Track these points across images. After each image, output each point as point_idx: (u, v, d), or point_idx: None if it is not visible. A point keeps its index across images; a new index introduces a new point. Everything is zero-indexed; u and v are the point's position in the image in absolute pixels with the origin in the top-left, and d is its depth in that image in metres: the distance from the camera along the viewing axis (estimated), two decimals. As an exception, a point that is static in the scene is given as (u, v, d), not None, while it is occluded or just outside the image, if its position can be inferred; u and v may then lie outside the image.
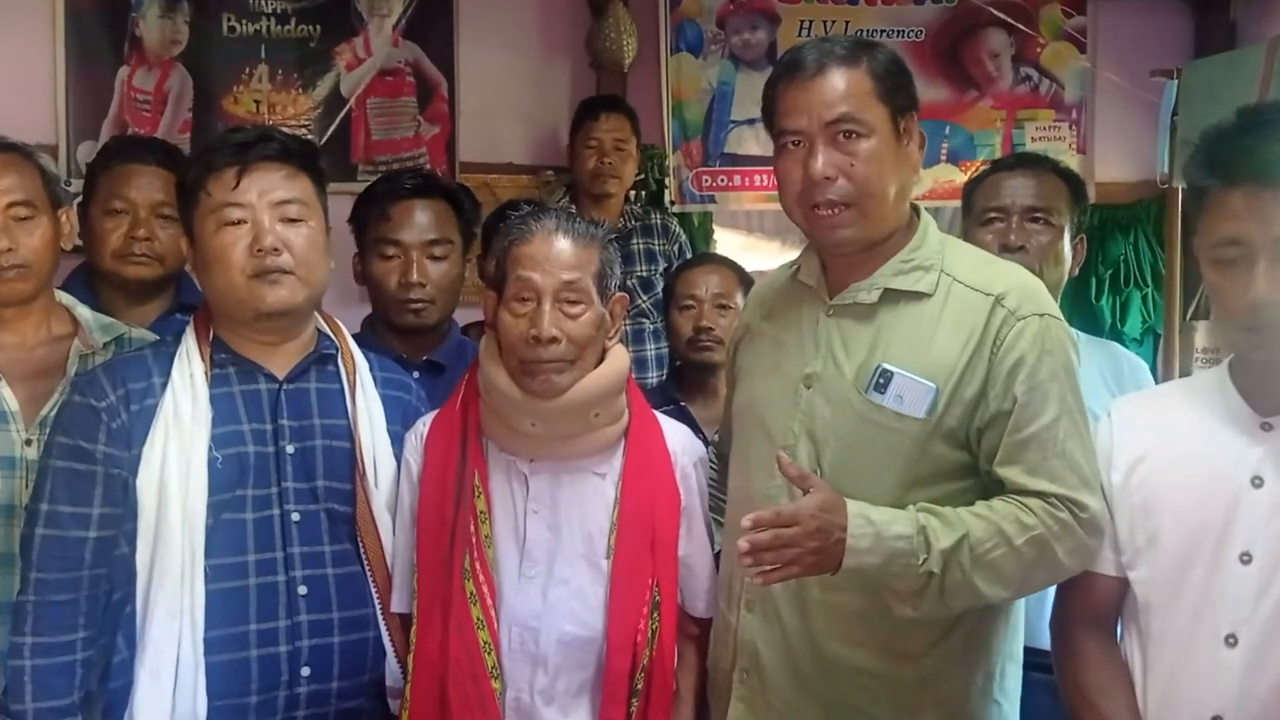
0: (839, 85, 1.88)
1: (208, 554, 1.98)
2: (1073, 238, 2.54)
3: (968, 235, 2.51)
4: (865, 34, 4.55)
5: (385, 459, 2.16)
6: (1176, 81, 4.29)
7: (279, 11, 4.20)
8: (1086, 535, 1.84)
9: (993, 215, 2.51)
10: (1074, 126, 4.70)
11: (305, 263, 2.06)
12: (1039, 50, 4.69)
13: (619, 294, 2.10)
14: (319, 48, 4.25)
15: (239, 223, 2.03)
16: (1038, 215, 2.48)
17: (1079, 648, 1.91)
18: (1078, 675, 1.90)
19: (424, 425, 2.15)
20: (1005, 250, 2.42)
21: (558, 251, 2.01)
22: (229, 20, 4.16)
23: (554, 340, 1.98)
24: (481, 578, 2.01)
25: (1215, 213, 1.73)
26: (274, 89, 4.20)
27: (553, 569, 2.05)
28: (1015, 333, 1.86)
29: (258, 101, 4.19)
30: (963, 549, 1.79)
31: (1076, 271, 2.61)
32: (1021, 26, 4.62)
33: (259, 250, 2.01)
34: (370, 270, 2.62)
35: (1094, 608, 1.90)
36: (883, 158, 1.89)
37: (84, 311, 2.38)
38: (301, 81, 4.24)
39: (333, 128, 4.26)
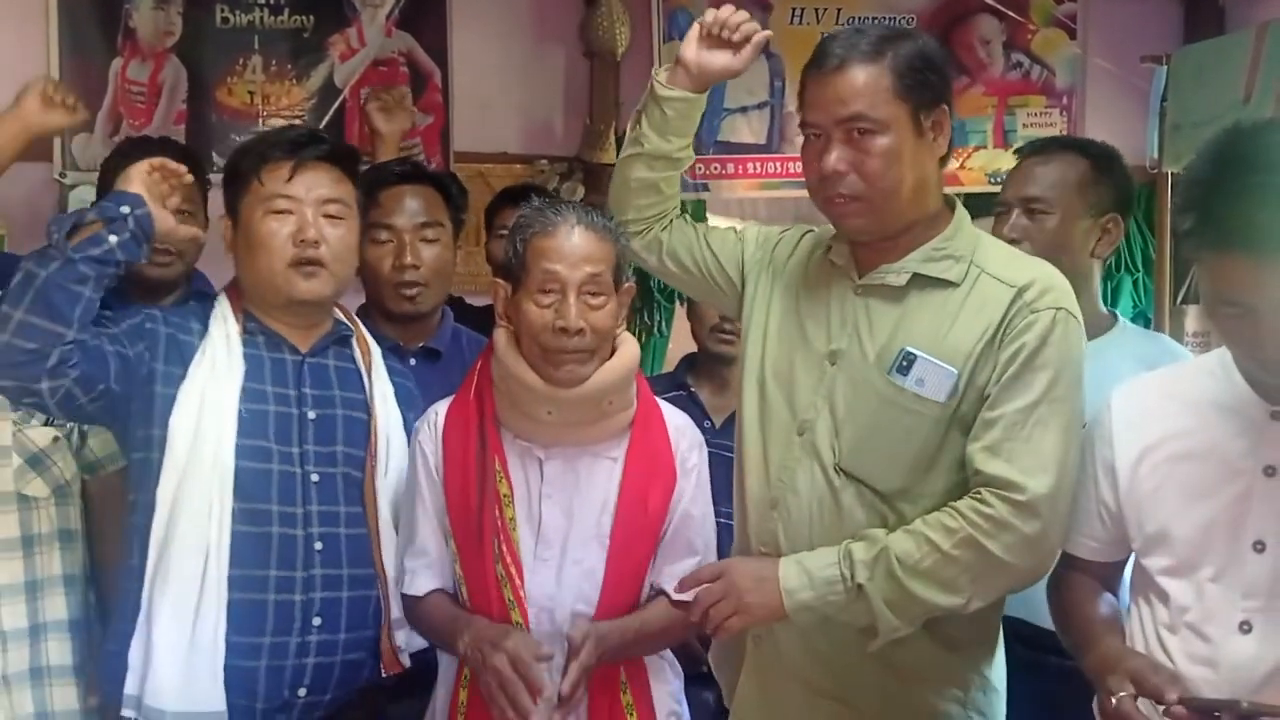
0: (855, 82, 1.90)
1: (235, 498, 2.10)
2: (1100, 217, 2.48)
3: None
4: (856, 21, 4.56)
5: (397, 434, 2.30)
6: (1166, 67, 4.29)
7: (271, 2, 4.18)
8: (1023, 524, 1.83)
9: (999, 209, 2.49)
10: (1065, 112, 4.69)
11: (339, 258, 2.25)
12: (1030, 37, 4.68)
13: (627, 284, 2.16)
14: (312, 38, 4.23)
15: (284, 212, 2.20)
16: (1034, 205, 2.45)
17: (1067, 580, 1.95)
18: (1062, 597, 1.94)
19: (437, 415, 2.20)
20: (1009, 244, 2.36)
21: (581, 244, 2.07)
22: (222, 11, 4.14)
23: (579, 331, 2.04)
24: (509, 559, 2.07)
25: (1213, 273, 1.69)
26: (268, 80, 4.19)
27: (566, 551, 2.10)
28: (1026, 323, 1.88)
29: (251, 92, 4.18)
30: (886, 558, 1.84)
31: (1107, 253, 2.54)
32: (1012, 13, 4.62)
33: (301, 240, 2.19)
34: (364, 256, 2.63)
35: (1087, 574, 1.94)
36: (897, 154, 1.91)
37: None
38: (295, 72, 4.23)
39: (327, 118, 4.24)
